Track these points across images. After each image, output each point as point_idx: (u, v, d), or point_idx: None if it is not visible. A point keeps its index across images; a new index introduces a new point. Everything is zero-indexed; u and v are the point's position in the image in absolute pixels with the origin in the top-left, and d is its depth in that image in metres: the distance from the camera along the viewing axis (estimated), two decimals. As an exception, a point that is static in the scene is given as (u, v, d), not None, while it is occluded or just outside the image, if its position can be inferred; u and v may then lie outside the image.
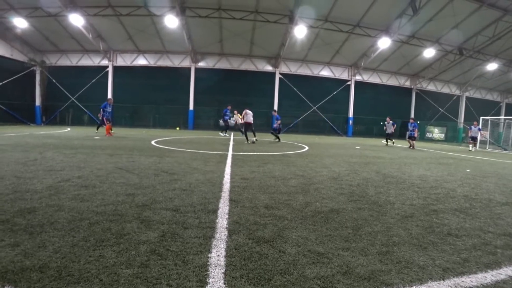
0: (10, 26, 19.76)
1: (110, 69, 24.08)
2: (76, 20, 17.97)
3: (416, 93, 28.94)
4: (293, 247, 2.18)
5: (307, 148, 11.06)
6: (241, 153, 8.13)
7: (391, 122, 16.14)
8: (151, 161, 5.96)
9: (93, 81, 24.01)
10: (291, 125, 25.84)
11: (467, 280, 1.85)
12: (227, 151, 8.58)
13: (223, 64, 24.72)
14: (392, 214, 3.17)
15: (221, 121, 23.84)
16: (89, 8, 18.07)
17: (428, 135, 27.34)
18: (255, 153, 8.29)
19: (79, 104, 24.30)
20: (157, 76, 24.28)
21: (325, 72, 26.27)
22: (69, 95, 24.17)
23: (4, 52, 21.55)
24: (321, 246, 2.23)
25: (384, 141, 16.74)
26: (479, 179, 5.91)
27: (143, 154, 6.97)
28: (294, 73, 25.54)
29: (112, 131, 14.08)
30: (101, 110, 13.63)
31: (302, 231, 2.53)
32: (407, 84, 28.67)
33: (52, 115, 24.76)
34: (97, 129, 15.15)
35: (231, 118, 16.57)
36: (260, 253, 2.05)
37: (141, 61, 24.38)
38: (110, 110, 13.90)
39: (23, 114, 23.12)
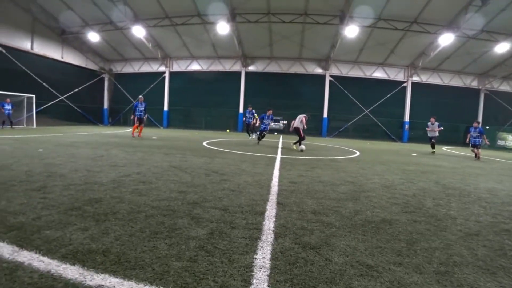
0: (85, 40, 22.94)
1: (167, 75, 26.05)
2: (138, 31, 20.01)
3: (485, 94, 25.57)
4: (341, 256, 2.10)
5: (358, 153, 10.57)
6: (289, 157, 8.10)
7: (437, 123, 13.30)
8: (202, 161, 6.26)
9: (152, 85, 26.21)
10: (342, 129, 24.87)
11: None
12: (276, 154, 8.62)
13: (273, 68, 24.92)
14: (453, 230, 2.85)
15: (272, 124, 23.96)
16: (149, 20, 19.90)
17: (500, 142, 24.03)
18: (304, 157, 8.18)
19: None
20: (209, 80, 25.43)
21: (379, 74, 24.81)
22: (131, 99, 26.68)
23: (80, 62, 24.92)
24: (371, 258, 2.11)
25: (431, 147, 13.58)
26: None
27: (195, 155, 7.37)
28: (345, 75, 24.59)
29: (138, 133, 13.14)
30: (133, 110, 13.15)
31: (351, 240, 2.43)
32: (474, 84, 25.51)
33: (117, 116, 27.80)
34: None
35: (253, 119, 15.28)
36: (306, 259, 2.02)
37: (195, 66, 25.87)
38: (142, 109, 12.95)
39: (93, 116, 26.40)
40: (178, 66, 26.12)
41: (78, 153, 6.73)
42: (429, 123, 13.61)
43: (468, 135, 11.93)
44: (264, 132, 12.22)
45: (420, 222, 3.02)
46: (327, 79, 24.39)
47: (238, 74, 24.97)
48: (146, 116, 13.35)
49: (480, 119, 25.64)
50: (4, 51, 18.25)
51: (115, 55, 26.38)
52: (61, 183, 3.76)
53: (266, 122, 12.08)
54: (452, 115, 25.15)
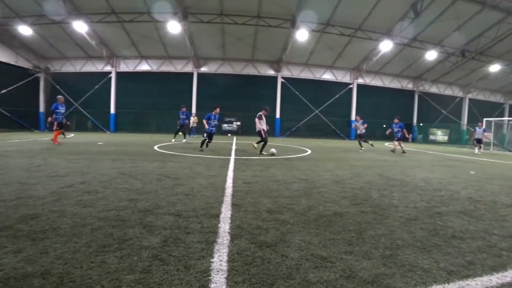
0: (15, 33, 19.96)
1: (113, 75, 24.29)
2: (80, 27, 18.26)
3: (419, 96, 28.82)
4: (296, 252, 2.17)
5: (309, 151, 11.04)
6: (244, 158, 8.13)
7: (362, 121, 14.10)
8: (154, 166, 5.98)
9: (96, 87, 24.23)
10: (294, 128, 25.84)
11: (472, 283, 1.82)
12: (230, 155, 8.59)
13: (226, 69, 24.84)
14: (395, 217, 3.14)
15: (226, 126, 23.79)
16: (92, 15, 18.30)
17: (432, 137, 27.16)
18: (258, 157, 8.28)
19: (82, 110, 24.51)
20: (160, 82, 24.47)
21: (328, 76, 26.30)
22: (73, 101, 24.32)
23: (9, 59, 21.79)
24: (324, 250, 2.21)
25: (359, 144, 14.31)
26: (483, 181, 5.84)
27: (146, 160, 7.00)
28: (296, 77, 25.59)
29: (61, 138, 11.73)
30: (51, 112, 11.51)
31: (305, 235, 2.52)
32: (410, 86, 28.58)
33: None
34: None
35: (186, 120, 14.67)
36: (263, 258, 2.04)
37: (144, 66, 24.59)
38: (63, 111, 11.39)
39: (27, 121, 23.26)
40: (126, 66, 24.55)
41: (8, 164, 5.93)
42: (355, 121, 14.54)
43: (390, 130, 13.46)
44: (212, 134, 10.14)
45: (367, 212, 3.26)
46: (279, 80, 25.11)
47: (190, 75, 24.41)
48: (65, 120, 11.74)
49: (415, 117, 28.87)
50: None
51: (53, 52, 23.51)
52: (-13, 199, 3.28)
53: (213, 123, 9.97)
54: (392, 114, 27.69)
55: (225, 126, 24.63)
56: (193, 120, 20.04)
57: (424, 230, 2.76)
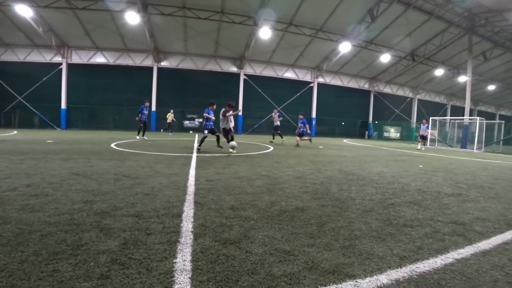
0: None
1: (64, 66, 22.26)
2: (24, 11, 16.36)
3: (374, 95, 30.86)
4: (260, 247, 2.20)
5: (271, 148, 11.23)
6: (206, 155, 8.02)
7: (277, 114, 15.01)
8: (110, 165, 5.64)
9: (44, 79, 21.98)
10: (256, 125, 26.09)
11: (421, 266, 2.02)
12: (192, 153, 8.40)
13: (187, 64, 24.18)
14: (353, 209, 3.33)
15: (187, 123, 23.10)
16: None
17: (386, 134, 29.24)
18: (220, 155, 8.22)
19: (27, 104, 22.11)
20: (117, 76, 23.03)
21: (289, 74, 26.92)
22: (15, 95, 21.90)
23: None
24: (287, 244, 2.27)
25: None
26: (430, 173, 6.43)
27: (102, 158, 6.58)
28: (259, 74, 25.81)
29: None
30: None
31: (268, 230, 2.56)
32: (366, 86, 30.45)
33: (-4, 116, 22.24)
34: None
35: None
36: (227, 255, 2.04)
37: (99, 59, 22.94)
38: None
39: None
40: (79, 58, 22.62)
41: None
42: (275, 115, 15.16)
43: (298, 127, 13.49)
44: (214, 130, 9.10)
45: (327, 206, 3.42)
46: (242, 77, 25.11)
47: (150, 69, 23.37)
48: None
49: (370, 115, 30.80)
50: None
51: None
52: None
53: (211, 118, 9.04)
54: (351, 112, 29.63)
55: (186, 123, 24.09)
56: (171, 116, 19.40)
57: (379, 220, 2.97)
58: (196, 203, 3.30)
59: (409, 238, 2.52)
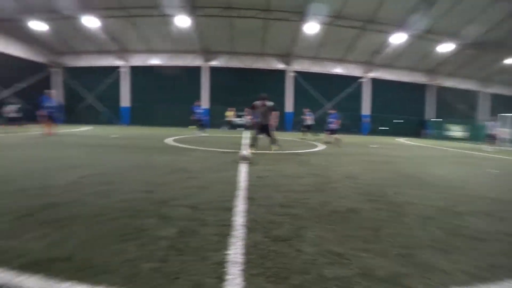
0: (28, 28, 20.17)
1: (125, 69, 24.67)
2: (91, 22, 18.54)
3: (433, 90, 28.04)
4: (311, 247, 2.16)
5: (321, 147, 10.94)
6: (254, 152, 8.12)
7: (309, 113, 14.96)
8: (167, 159, 6.06)
9: (108, 80, 24.70)
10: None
11: (493, 287, 1.77)
12: (241, 149, 8.58)
13: (235, 63, 24.76)
14: (412, 215, 3.07)
15: (237, 120, 23.93)
16: (102, 10, 18.66)
17: (446, 133, 26.45)
18: (269, 152, 8.26)
19: (95, 103, 25.05)
20: (170, 76, 24.41)
21: (338, 69, 25.91)
22: (86, 95, 24.97)
23: (23, 53, 22.12)
24: (340, 247, 2.19)
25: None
26: (504, 179, 5.67)
27: (160, 153, 7.11)
28: (307, 70, 25.31)
29: (49, 132, 11.23)
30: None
31: (320, 230, 2.51)
32: (424, 80, 27.80)
33: (71, 114, 25.44)
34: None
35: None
36: (278, 252, 2.05)
37: (154, 61, 24.76)
38: (54, 105, 11.81)
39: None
40: (137, 60, 24.83)
41: (28, 155, 6.13)
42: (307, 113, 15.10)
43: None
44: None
45: (382, 209, 3.22)
46: (289, 74, 24.87)
47: (199, 69, 24.52)
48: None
49: (429, 112, 28.04)
50: None
51: (66, 47, 24.09)
52: (10, 189, 3.41)
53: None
54: (405, 108, 27.30)
55: (236, 120, 24.74)
56: (232, 114, 20.43)
57: (442, 230, 2.69)
58: (247, 198, 3.37)
59: (480, 254, 2.21)
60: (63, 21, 19.74)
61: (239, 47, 23.55)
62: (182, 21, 18.32)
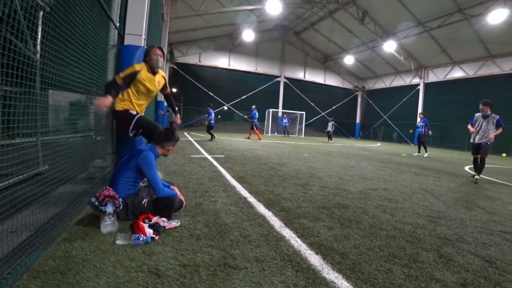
0: (342, 63, 26.81)
1: (421, 87, 23.49)
2: (390, 46, 19.66)
3: None
4: None
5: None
6: None
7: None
8: (461, 190, 5.10)
9: (404, 99, 24.76)
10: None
11: None
12: None
13: None
14: None
15: None
16: (399, 32, 19.24)
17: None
18: None
19: (390, 122, 26.26)
20: (477, 89, 19.42)
21: None
22: (382, 114, 26.98)
23: (338, 83, 29.43)
24: None
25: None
26: None
27: (452, 180, 6.12)
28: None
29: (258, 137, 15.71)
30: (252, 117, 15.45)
31: None
32: None
33: (367, 131, 29.19)
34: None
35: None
36: None
37: (456, 73, 21.13)
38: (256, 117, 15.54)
39: (346, 129, 29.74)
40: (435, 76, 22.57)
41: (333, 161, 7.76)
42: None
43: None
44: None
45: None
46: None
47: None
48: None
49: None
50: (288, 81, 26.46)
51: (368, 73, 28.07)
52: (318, 184, 4.52)
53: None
54: None
55: None
56: None
57: None
58: None
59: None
60: (366, 51, 23.16)
61: None
62: (495, 17, 13.74)
